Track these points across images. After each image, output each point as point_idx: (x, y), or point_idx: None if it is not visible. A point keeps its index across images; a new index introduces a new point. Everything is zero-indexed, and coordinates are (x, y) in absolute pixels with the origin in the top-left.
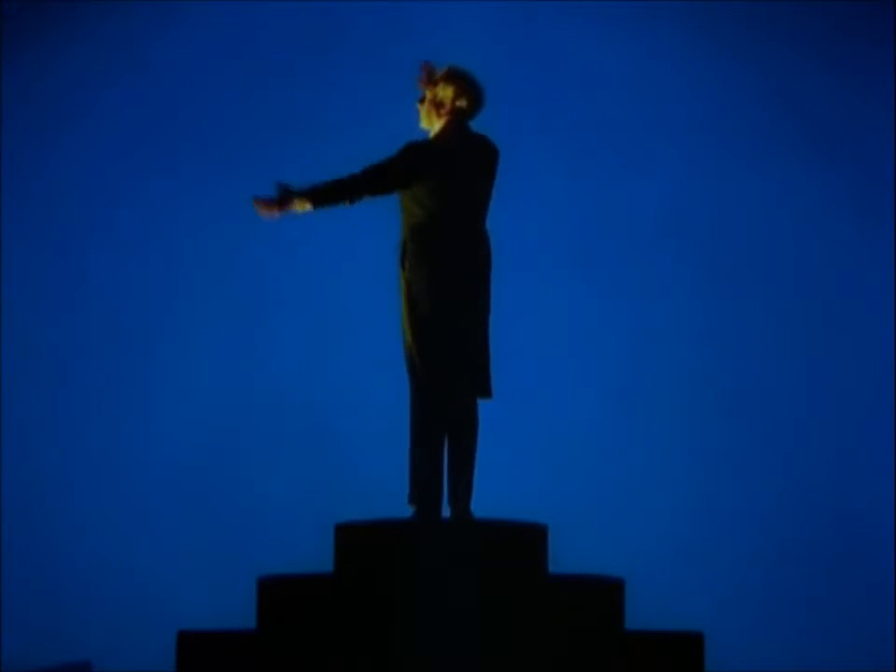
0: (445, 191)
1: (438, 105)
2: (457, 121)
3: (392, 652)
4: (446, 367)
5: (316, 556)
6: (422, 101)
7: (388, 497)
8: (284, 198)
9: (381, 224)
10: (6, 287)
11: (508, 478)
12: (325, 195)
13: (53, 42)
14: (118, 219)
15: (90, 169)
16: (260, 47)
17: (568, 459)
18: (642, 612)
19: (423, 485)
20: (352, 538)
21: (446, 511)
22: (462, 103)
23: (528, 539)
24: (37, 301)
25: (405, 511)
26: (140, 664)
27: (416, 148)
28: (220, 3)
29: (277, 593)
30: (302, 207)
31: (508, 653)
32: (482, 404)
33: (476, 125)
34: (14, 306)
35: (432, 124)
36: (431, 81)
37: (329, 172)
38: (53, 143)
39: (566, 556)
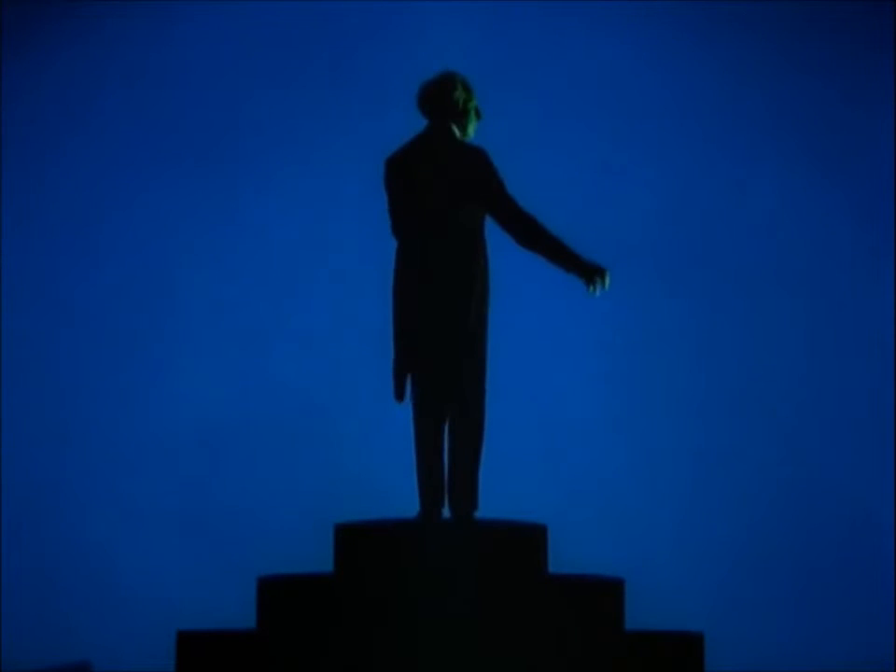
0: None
1: None
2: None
3: (392, 652)
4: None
5: (316, 556)
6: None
7: (388, 496)
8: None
9: (381, 223)
10: (6, 287)
11: (508, 478)
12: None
13: (55, 43)
14: (121, 220)
15: (88, 172)
16: (261, 49)
17: (568, 459)
18: (642, 612)
19: (420, 486)
20: (352, 538)
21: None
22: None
23: (528, 538)
24: (36, 300)
25: (405, 511)
26: (140, 664)
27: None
28: (218, 4)
29: (277, 593)
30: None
31: (508, 653)
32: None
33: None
34: (13, 306)
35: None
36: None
37: (329, 171)
38: (55, 144)
39: (566, 556)
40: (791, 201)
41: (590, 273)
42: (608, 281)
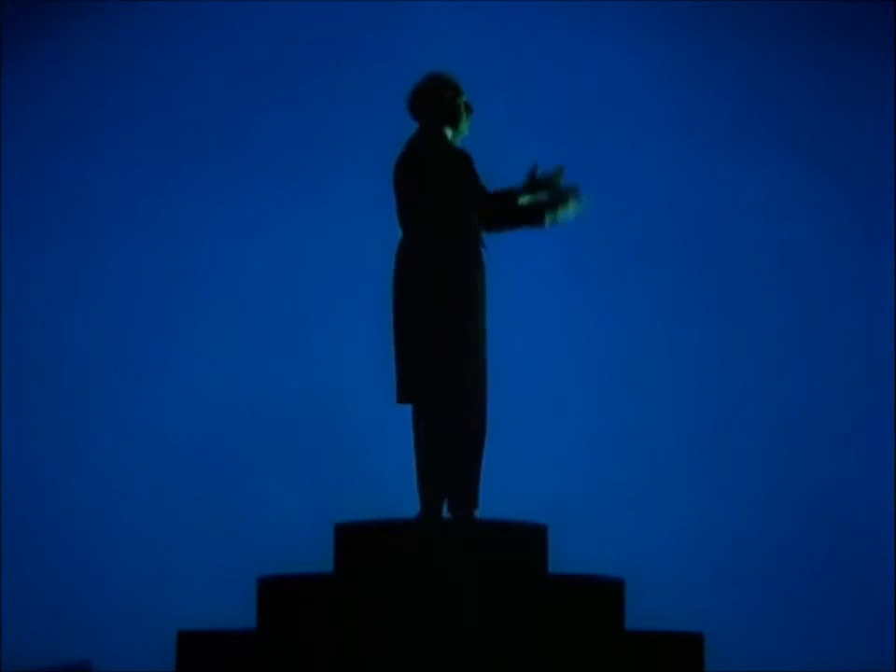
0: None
1: None
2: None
3: (392, 652)
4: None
5: (316, 556)
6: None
7: (389, 496)
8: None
9: (385, 224)
10: (11, 283)
11: (508, 478)
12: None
13: (59, 45)
14: (127, 219)
15: (94, 169)
16: (265, 49)
17: (568, 459)
18: (642, 612)
19: (420, 486)
20: (352, 538)
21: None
22: None
23: (528, 538)
24: (40, 297)
25: (405, 511)
26: (140, 664)
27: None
28: (220, 4)
29: (277, 593)
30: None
31: (508, 654)
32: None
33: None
34: (17, 302)
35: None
36: None
37: (330, 171)
38: (59, 145)
39: (566, 556)
40: (790, 201)
41: (562, 199)
42: (577, 198)
